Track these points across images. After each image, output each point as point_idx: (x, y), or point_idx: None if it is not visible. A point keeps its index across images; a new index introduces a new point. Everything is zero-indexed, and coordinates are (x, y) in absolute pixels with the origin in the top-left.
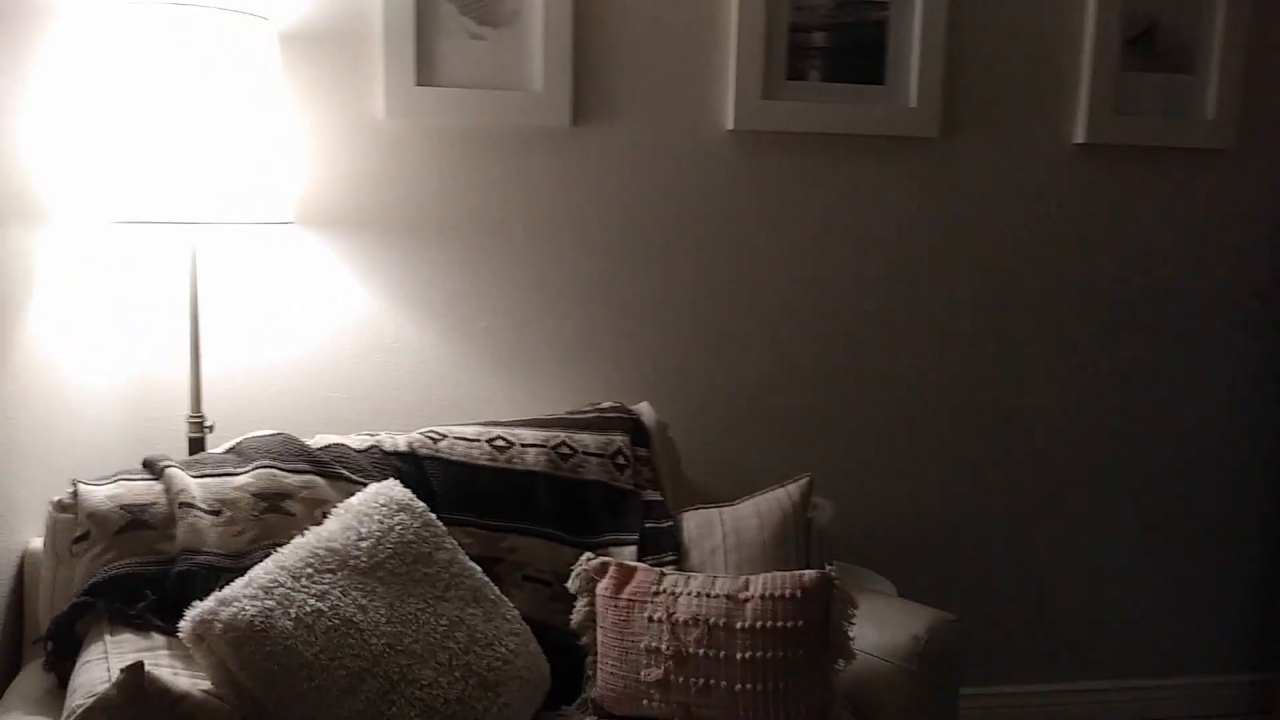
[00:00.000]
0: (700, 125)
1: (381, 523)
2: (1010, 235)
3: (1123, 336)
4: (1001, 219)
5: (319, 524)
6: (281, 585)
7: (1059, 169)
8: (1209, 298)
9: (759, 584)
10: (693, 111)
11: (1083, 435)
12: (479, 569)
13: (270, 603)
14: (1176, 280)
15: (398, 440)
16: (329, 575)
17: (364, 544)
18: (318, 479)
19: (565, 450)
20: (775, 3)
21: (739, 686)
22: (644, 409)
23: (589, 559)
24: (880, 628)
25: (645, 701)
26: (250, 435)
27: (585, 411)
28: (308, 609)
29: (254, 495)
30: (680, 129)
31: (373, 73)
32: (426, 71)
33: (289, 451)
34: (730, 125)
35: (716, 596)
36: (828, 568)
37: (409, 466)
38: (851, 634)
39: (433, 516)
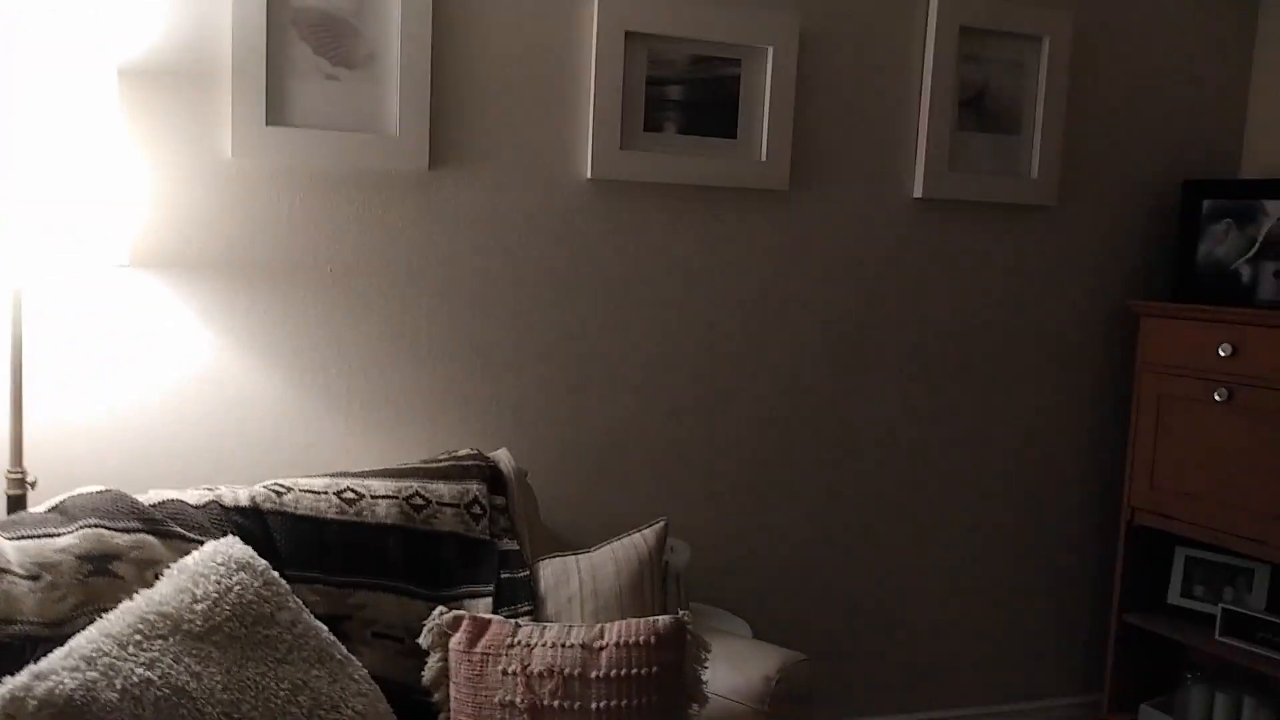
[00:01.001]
0: (559, 173)
1: (219, 583)
2: (855, 282)
3: (958, 376)
4: (846, 267)
5: (150, 586)
6: (106, 654)
7: (899, 221)
8: (1037, 340)
9: (614, 632)
10: (552, 159)
11: (925, 472)
12: (325, 628)
13: (93, 674)
14: (1007, 324)
15: (239, 495)
16: (160, 641)
17: (199, 606)
18: (150, 538)
19: (418, 501)
20: (633, 55)
21: None
22: (502, 456)
23: (441, 613)
24: (734, 669)
25: None
26: (76, 492)
27: (440, 460)
28: (135, 679)
29: (78, 558)
30: (539, 176)
31: (220, 111)
32: (277, 111)
33: (118, 509)
34: (589, 174)
35: (571, 646)
36: (681, 613)
37: (251, 522)
38: (705, 677)
39: (275, 574)
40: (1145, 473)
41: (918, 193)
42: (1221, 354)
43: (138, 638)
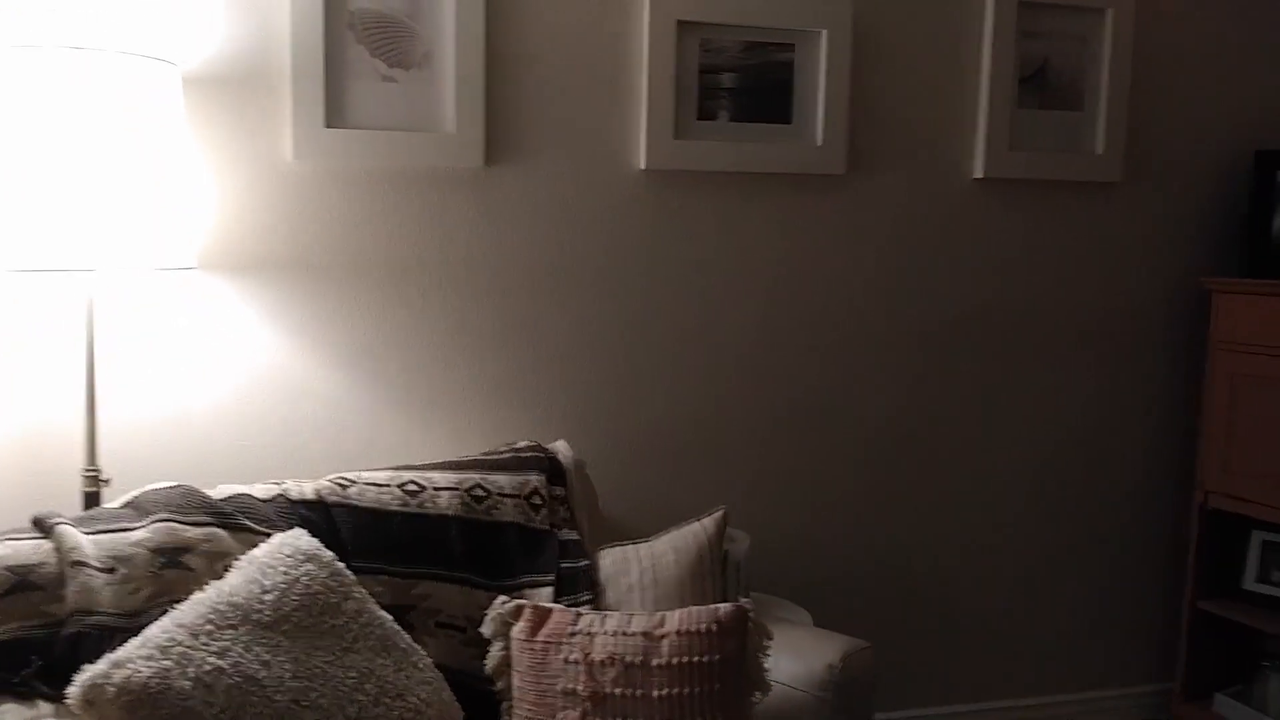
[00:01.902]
0: (613, 165)
1: (286, 574)
2: (915, 266)
3: (1023, 359)
4: (907, 251)
5: (221, 578)
6: (179, 644)
7: (959, 203)
8: (1105, 319)
9: (675, 620)
10: (606, 151)
11: (989, 457)
12: (390, 618)
13: (167, 663)
14: (1073, 304)
15: (304, 488)
16: (230, 631)
17: (268, 597)
18: (219, 531)
19: (479, 493)
20: (685, 45)
21: None
22: (560, 447)
23: (503, 602)
24: (796, 658)
25: None
26: (148, 488)
27: (501, 452)
28: (207, 668)
29: (151, 550)
30: (594, 169)
31: (280, 114)
32: (336, 113)
33: (189, 504)
34: (643, 165)
35: (633, 634)
36: (743, 600)
37: (317, 515)
38: (767, 665)
39: (341, 565)
40: (1218, 454)
41: (978, 173)
42: None
43: (209, 628)
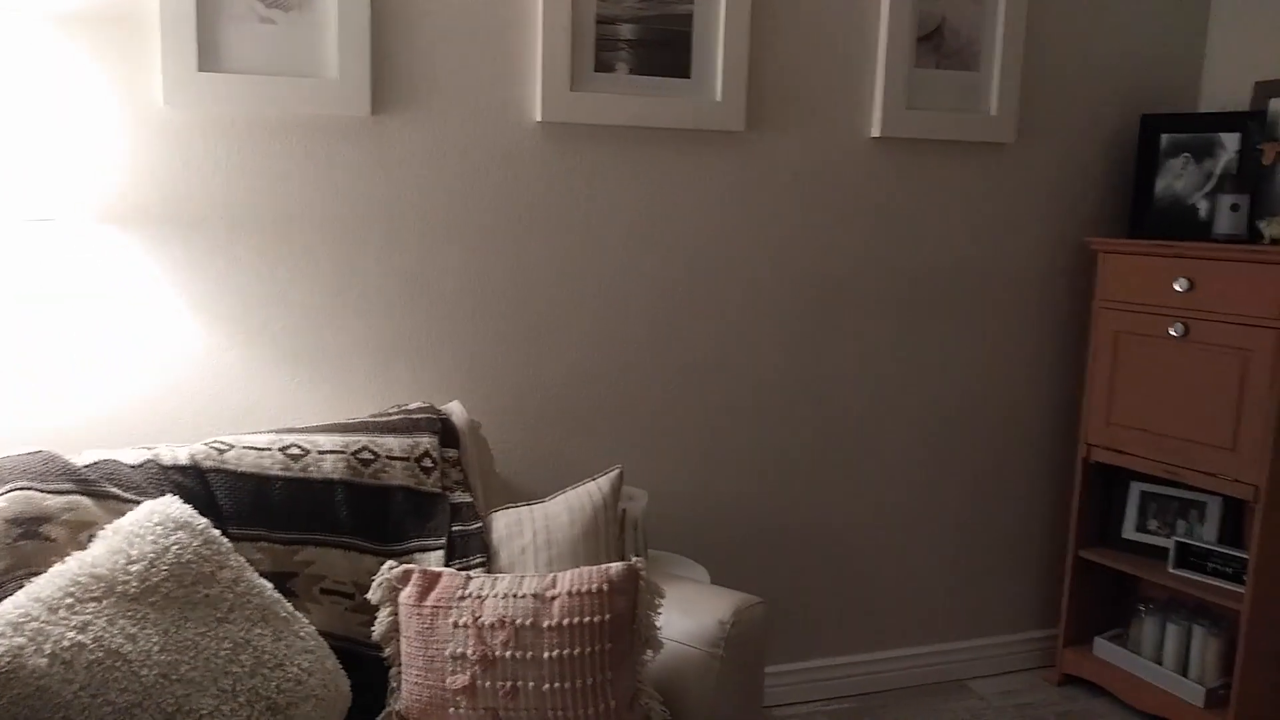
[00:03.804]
0: (508, 116)
1: (156, 543)
2: (814, 224)
3: (917, 316)
4: (805, 209)
5: (84, 549)
6: (34, 619)
7: (857, 161)
8: (998, 278)
9: (566, 580)
10: (500, 102)
11: (884, 412)
12: (269, 586)
13: (20, 640)
14: (967, 262)
15: (178, 453)
16: (93, 604)
17: (135, 567)
18: (83, 499)
19: (367, 455)
20: None
21: (547, 686)
22: (454, 408)
23: (391, 567)
24: (688, 615)
25: (452, 709)
26: (3, 455)
27: (391, 414)
28: (66, 643)
29: (7, 521)
30: (487, 120)
31: (150, 57)
32: (210, 56)
33: (49, 470)
34: (538, 117)
35: (523, 596)
36: (634, 559)
37: (191, 481)
38: (659, 623)
39: (216, 533)
40: (1101, 408)
41: (876, 132)
42: (1178, 289)
43: (69, 601)
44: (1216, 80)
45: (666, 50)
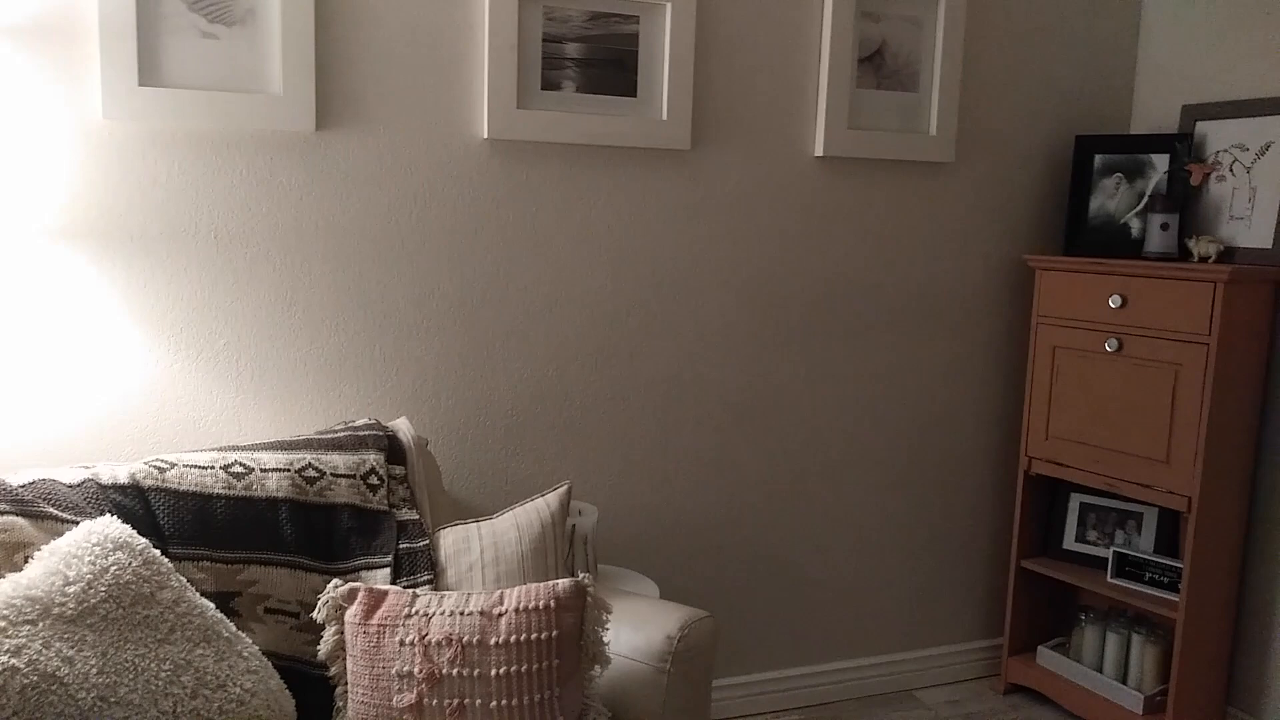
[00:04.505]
0: (454, 133)
1: (94, 564)
2: (758, 242)
3: (862, 333)
4: (750, 227)
5: (20, 570)
6: None
7: (801, 180)
8: (939, 295)
9: (513, 597)
10: (446, 119)
11: (830, 428)
12: (211, 606)
13: None
14: (909, 280)
15: (118, 472)
16: (28, 627)
17: (72, 589)
18: (18, 520)
19: (312, 473)
20: (528, 12)
21: (495, 703)
22: (401, 425)
23: (336, 585)
24: (636, 630)
25: None
26: None
27: (337, 431)
28: None
29: None
30: (434, 137)
31: (90, 70)
32: (151, 70)
33: None
34: (485, 134)
35: (470, 614)
36: (581, 575)
37: (131, 500)
38: (607, 639)
39: (156, 553)
40: (1041, 422)
41: (819, 151)
42: (1112, 305)
43: (2, 624)
44: (1147, 103)
45: (613, 69)
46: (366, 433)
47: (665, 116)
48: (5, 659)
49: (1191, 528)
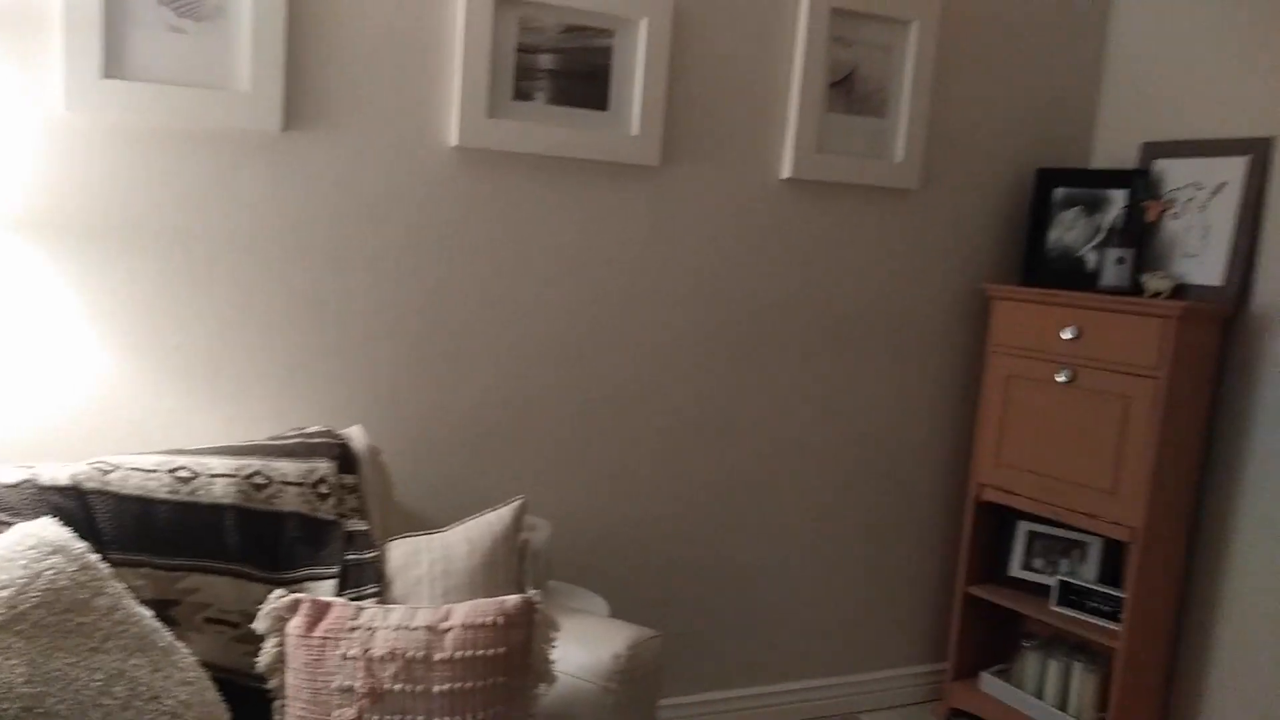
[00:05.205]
0: (423, 139)
1: (27, 568)
2: (723, 261)
3: (820, 356)
4: (716, 246)
5: None
6: None
7: (768, 201)
8: (898, 320)
9: (461, 613)
10: (416, 124)
11: (785, 450)
12: (149, 614)
13: None
14: (870, 305)
15: (59, 473)
16: None
17: (3, 593)
18: None
19: (260, 480)
20: (503, 21)
21: None
22: (354, 433)
23: (279, 596)
24: (584, 648)
25: None
26: None
27: (288, 437)
28: None
29: None
30: (402, 142)
31: (52, 60)
32: (115, 63)
33: None
34: (455, 141)
35: (416, 629)
36: (531, 592)
37: (71, 502)
38: (553, 657)
39: (94, 558)
40: (991, 450)
41: (786, 173)
42: (1065, 337)
43: None
44: (1107, 139)
45: (585, 82)
46: (318, 440)
47: (636, 132)
48: None
49: (1135, 559)
